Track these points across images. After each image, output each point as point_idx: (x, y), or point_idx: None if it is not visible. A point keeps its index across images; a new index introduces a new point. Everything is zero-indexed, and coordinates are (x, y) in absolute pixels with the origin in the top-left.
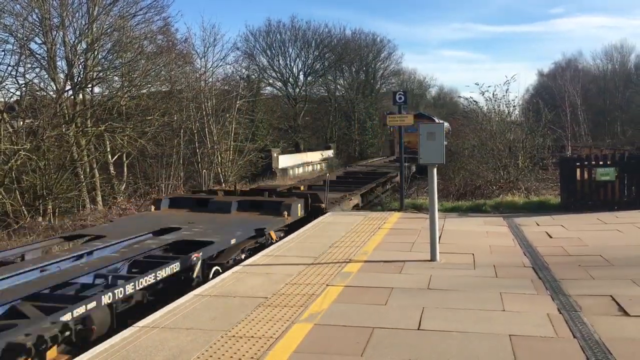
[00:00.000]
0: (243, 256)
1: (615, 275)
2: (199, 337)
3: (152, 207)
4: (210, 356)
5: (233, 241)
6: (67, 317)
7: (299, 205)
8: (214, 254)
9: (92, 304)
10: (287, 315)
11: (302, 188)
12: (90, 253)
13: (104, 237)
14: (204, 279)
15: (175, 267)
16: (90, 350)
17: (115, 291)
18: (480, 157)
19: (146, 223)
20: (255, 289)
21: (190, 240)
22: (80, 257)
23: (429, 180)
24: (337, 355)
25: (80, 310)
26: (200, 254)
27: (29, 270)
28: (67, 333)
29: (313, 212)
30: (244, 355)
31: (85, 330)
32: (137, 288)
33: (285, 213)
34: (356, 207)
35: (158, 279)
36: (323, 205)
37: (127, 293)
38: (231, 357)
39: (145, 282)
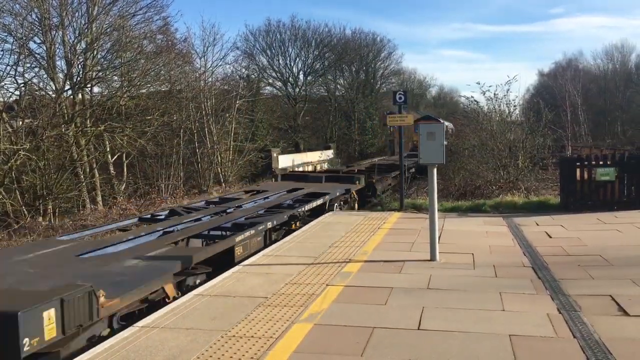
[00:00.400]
0: (342, 203)
1: (614, 275)
2: (199, 337)
3: (273, 179)
4: (210, 356)
5: (337, 194)
6: (299, 210)
7: (363, 178)
8: (330, 199)
9: (303, 208)
10: (287, 315)
11: (355, 170)
12: (267, 197)
13: (267, 191)
14: (328, 210)
15: (320, 201)
16: (90, 351)
17: (306, 206)
18: (480, 157)
19: (280, 186)
20: (255, 289)
21: (315, 192)
22: (265, 198)
23: (429, 180)
24: (337, 355)
25: (300, 209)
26: (327, 196)
27: (249, 202)
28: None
29: (368, 185)
30: (244, 355)
31: (298, 218)
32: (310, 207)
33: (357, 182)
34: (389, 186)
35: (318, 204)
36: (374, 180)
37: (309, 208)
38: (231, 357)
39: (312, 205)
